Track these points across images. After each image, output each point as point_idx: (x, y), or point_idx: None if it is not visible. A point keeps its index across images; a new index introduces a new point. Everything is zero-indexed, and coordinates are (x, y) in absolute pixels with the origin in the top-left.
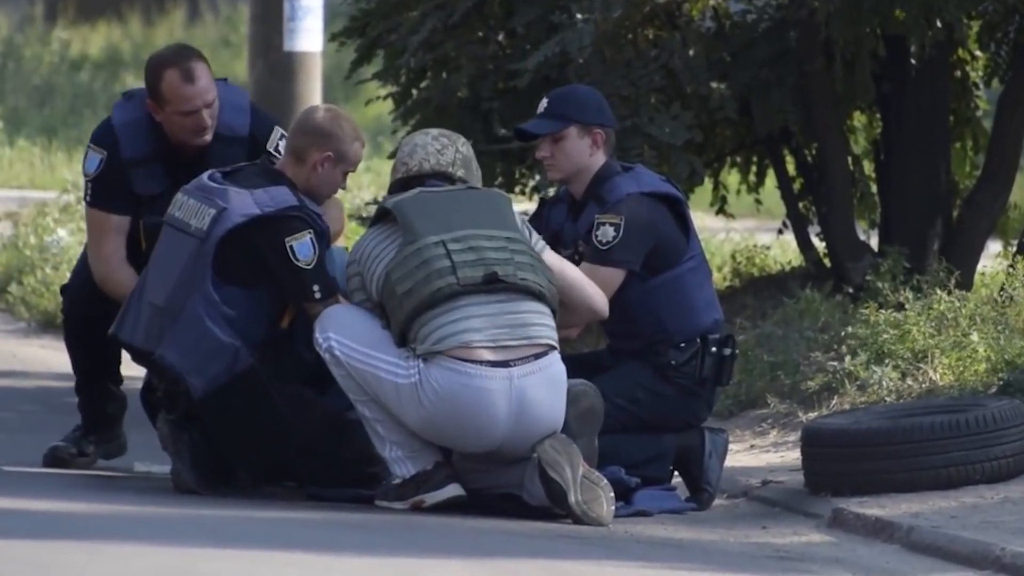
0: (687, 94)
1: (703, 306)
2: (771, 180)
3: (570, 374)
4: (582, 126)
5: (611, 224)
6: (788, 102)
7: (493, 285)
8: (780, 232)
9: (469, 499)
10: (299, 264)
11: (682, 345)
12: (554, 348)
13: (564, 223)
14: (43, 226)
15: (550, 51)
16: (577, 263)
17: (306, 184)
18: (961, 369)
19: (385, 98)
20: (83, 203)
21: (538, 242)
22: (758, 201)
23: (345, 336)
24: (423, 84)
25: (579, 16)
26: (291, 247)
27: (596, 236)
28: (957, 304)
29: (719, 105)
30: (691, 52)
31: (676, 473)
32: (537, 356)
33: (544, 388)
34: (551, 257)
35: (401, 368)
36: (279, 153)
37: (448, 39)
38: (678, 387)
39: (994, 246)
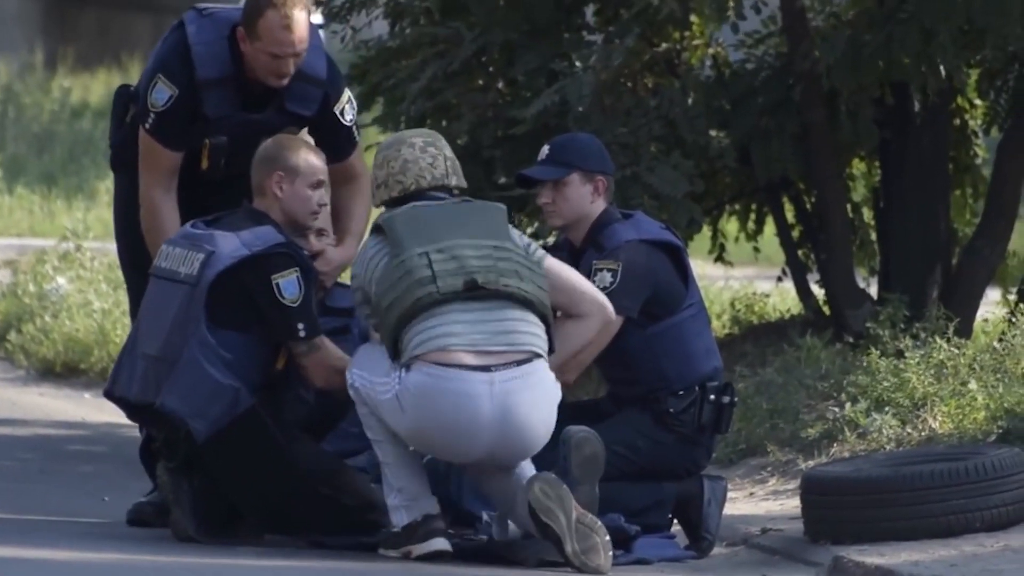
0: (687, 143)
1: (702, 353)
2: (770, 228)
3: (570, 421)
4: (584, 173)
5: (608, 270)
6: (788, 150)
7: (474, 292)
8: (779, 280)
9: (469, 553)
10: (284, 302)
11: (681, 392)
12: (539, 356)
13: None
14: (42, 274)
15: (549, 100)
16: None
17: (282, 214)
18: (960, 417)
19: None
20: (141, 128)
21: (536, 251)
22: (757, 249)
23: (361, 368)
24: None
25: (578, 64)
26: (277, 284)
27: (593, 282)
28: (956, 352)
29: (719, 153)
30: (690, 101)
31: (675, 521)
32: (519, 363)
33: (529, 394)
34: (552, 263)
35: (385, 384)
36: (343, 117)
37: (448, 87)
38: (677, 435)
39: (993, 294)
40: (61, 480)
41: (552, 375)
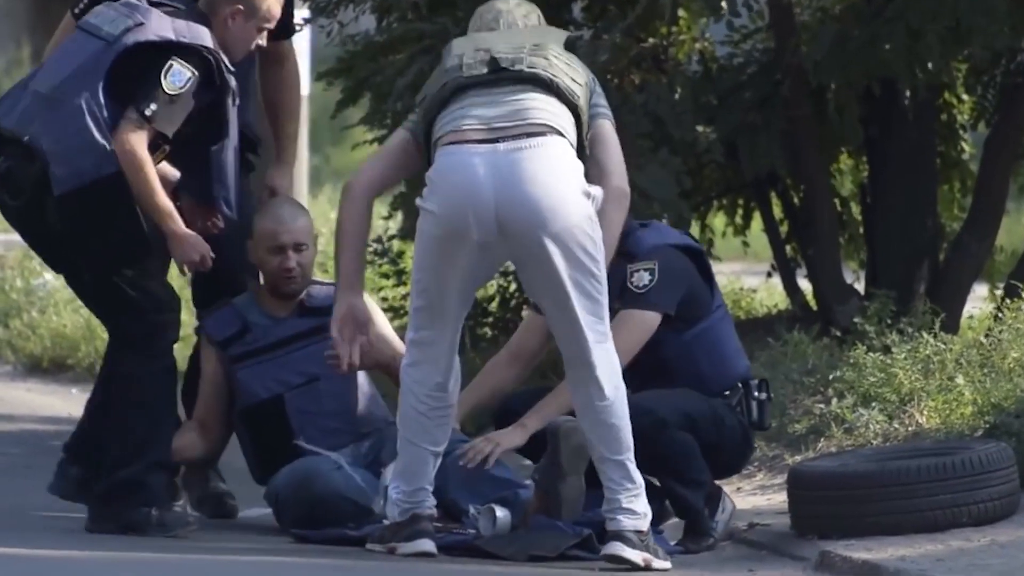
0: (675, 139)
1: (734, 354)
2: (758, 223)
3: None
4: None
5: (646, 270)
6: (775, 146)
7: (499, 75)
8: (769, 275)
9: (455, 547)
10: (163, 81)
11: (726, 393)
12: (557, 132)
13: None
14: (29, 269)
15: None
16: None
17: (221, 41)
18: (947, 412)
19: (372, 143)
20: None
21: (597, 94)
22: (745, 244)
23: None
24: None
25: None
26: (171, 66)
27: (632, 282)
28: (943, 347)
29: (706, 149)
30: (677, 96)
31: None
32: (531, 135)
33: (535, 161)
34: (604, 126)
35: None
36: None
37: None
38: (741, 426)
39: (980, 289)
40: (47, 476)
41: (566, 148)
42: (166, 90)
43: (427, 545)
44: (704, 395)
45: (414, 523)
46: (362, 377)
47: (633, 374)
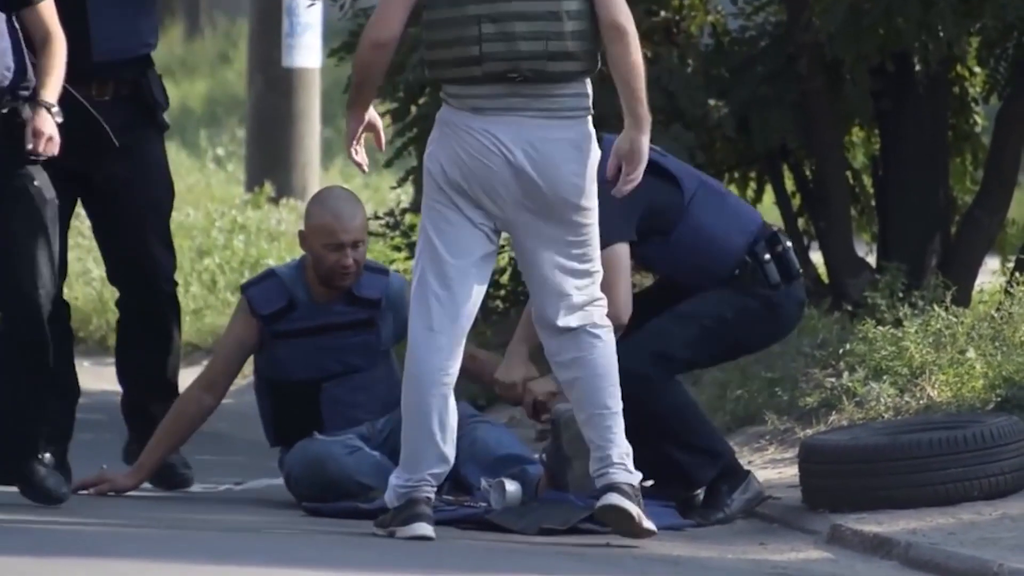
0: (687, 114)
1: (727, 228)
2: (769, 196)
3: (648, 314)
4: None
5: None
6: (787, 119)
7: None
8: None
9: (466, 520)
10: None
11: (736, 272)
12: (578, 115)
13: None
14: None
15: None
16: None
17: None
18: (959, 386)
19: (384, 114)
20: None
21: None
22: None
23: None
24: (422, 100)
25: None
26: None
27: None
28: (955, 321)
29: (717, 123)
30: (689, 69)
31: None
32: (554, 117)
33: (559, 143)
34: None
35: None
36: None
37: None
38: (761, 299)
39: (992, 262)
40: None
41: (591, 131)
42: None
43: (424, 529)
44: (707, 288)
45: (411, 507)
46: (394, 365)
47: (643, 298)
